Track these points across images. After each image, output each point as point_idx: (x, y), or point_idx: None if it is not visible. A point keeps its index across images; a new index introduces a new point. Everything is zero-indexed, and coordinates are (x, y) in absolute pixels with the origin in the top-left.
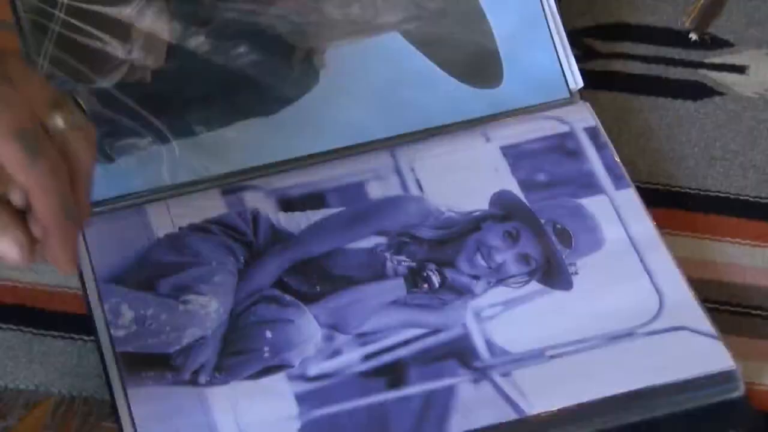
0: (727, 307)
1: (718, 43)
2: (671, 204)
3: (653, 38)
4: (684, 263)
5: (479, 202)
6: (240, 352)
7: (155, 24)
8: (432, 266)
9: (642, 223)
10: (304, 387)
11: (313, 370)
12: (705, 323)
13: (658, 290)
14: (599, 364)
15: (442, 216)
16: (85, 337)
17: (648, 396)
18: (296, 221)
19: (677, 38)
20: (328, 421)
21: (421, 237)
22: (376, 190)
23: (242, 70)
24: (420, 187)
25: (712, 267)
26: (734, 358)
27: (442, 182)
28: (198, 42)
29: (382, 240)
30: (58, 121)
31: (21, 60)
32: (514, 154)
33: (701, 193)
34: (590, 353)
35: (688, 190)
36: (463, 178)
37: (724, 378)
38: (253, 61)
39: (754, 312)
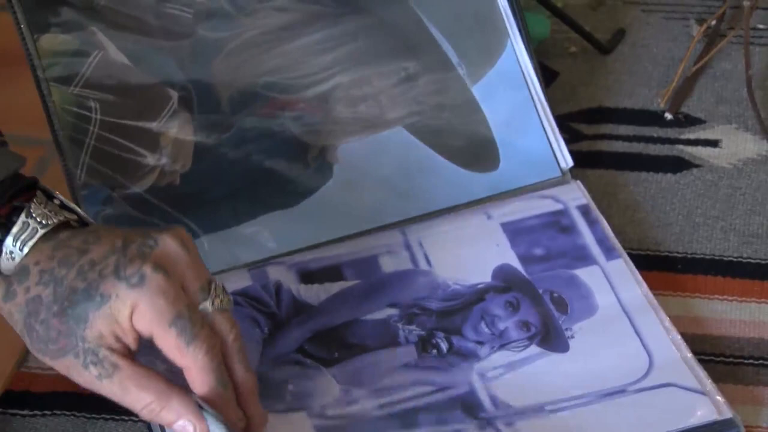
0: (721, 358)
1: (691, 121)
2: (661, 267)
3: (632, 119)
4: (677, 321)
5: (482, 275)
6: (263, 399)
7: (181, 133)
8: (440, 334)
9: (632, 290)
10: (324, 422)
11: (332, 412)
12: (691, 379)
13: (647, 351)
14: (594, 419)
15: (449, 289)
16: (135, 418)
17: None
18: (315, 293)
19: (654, 118)
20: None
21: (430, 308)
22: (388, 264)
23: (263, 169)
24: (428, 262)
25: (704, 323)
26: (731, 405)
27: (448, 257)
28: (221, 146)
29: (394, 312)
30: (208, 306)
31: (179, 243)
32: (513, 231)
33: (688, 256)
34: (586, 409)
35: (675, 254)
36: (468, 253)
37: (721, 426)
38: (272, 160)
39: (746, 362)
